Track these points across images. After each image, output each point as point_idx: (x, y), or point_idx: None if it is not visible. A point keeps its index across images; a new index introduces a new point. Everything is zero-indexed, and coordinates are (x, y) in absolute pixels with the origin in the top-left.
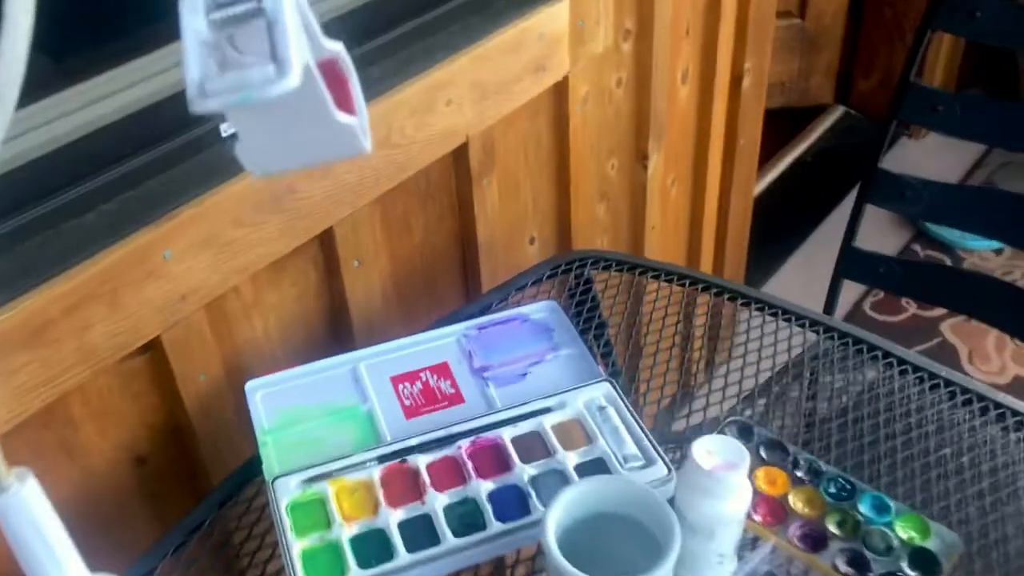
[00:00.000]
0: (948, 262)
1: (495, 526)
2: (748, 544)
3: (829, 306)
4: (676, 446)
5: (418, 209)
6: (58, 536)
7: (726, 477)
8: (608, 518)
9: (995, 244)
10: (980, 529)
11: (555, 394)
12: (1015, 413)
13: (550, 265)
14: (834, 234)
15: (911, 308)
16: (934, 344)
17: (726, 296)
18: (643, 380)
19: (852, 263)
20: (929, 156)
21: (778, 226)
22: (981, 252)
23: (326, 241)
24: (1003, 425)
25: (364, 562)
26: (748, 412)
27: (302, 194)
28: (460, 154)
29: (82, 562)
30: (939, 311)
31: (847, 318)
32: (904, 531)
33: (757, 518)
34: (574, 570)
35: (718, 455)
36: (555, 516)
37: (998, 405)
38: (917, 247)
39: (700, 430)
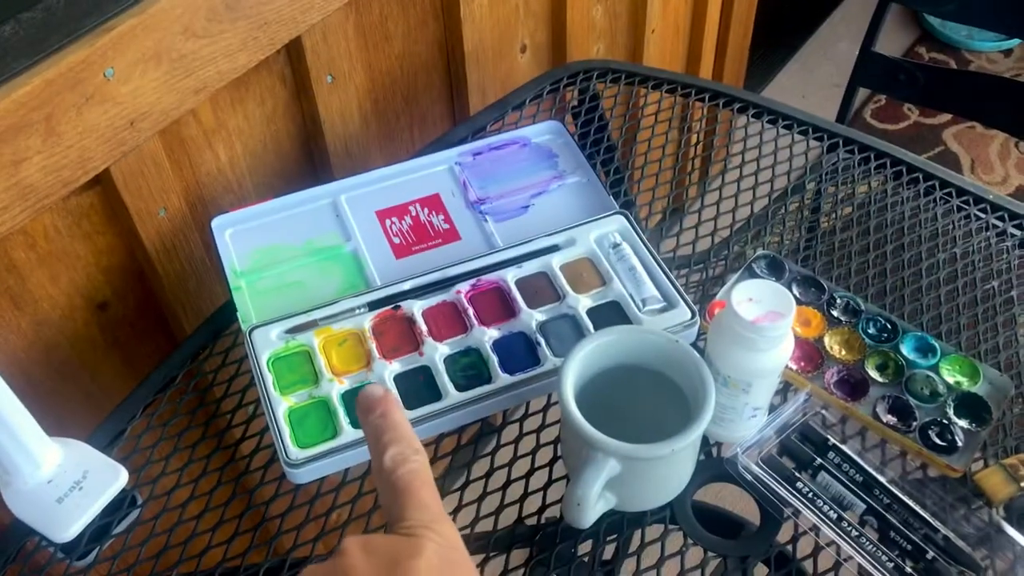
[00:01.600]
0: (953, 64)
1: (502, 378)
2: (780, 392)
3: (842, 115)
4: (681, 270)
5: (397, 13)
6: (8, 402)
7: (771, 329)
8: (630, 370)
9: (1003, 44)
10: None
11: (563, 230)
12: None
13: (551, 78)
14: (832, 37)
15: (913, 115)
16: (936, 153)
17: (736, 106)
18: (642, 204)
19: (869, 69)
20: None
21: (776, 29)
22: (989, 54)
23: (294, 53)
24: None
25: (357, 421)
26: (756, 230)
27: None
28: None
29: (38, 428)
30: (942, 118)
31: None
32: (951, 375)
33: (791, 364)
34: (596, 432)
35: (759, 303)
36: (572, 373)
37: None
38: (922, 49)
39: (708, 254)
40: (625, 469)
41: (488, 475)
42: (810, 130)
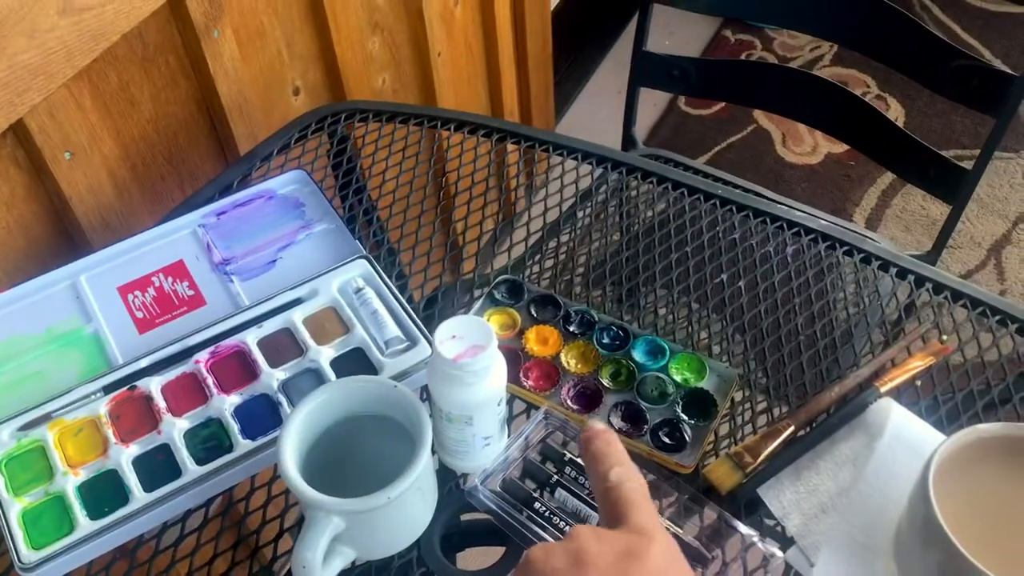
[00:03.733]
0: (758, 44)
1: (242, 445)
2: (525, 412)
3: (629, 116)
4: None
5: (140, 78)
6: None
7: (472, 363)
8: (361, 419)
9: None
10: (758, 354)
11: (305, 282)
12: (792, 224)
13: (299, 125)
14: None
15: None
16: (749, 132)
17: (495, 137)
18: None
19: (646, 68)
20: None
21: (586, 28)
22: (789, 31)
23: (21, 135)
24: (781, 239)
25: (95, 511)
26: (537, 258)
27: None
28: (177, 5)
29: None
30: None
31: (662, 116)
32: (679, 373)
33: (529, 383)
34: (311, 491)
35: (462, 339)
36: (291, 437)
37: (791, 224)
38: (728, 32)
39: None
40: (351, 523)
41: (236, 544)
42: (564, 152)
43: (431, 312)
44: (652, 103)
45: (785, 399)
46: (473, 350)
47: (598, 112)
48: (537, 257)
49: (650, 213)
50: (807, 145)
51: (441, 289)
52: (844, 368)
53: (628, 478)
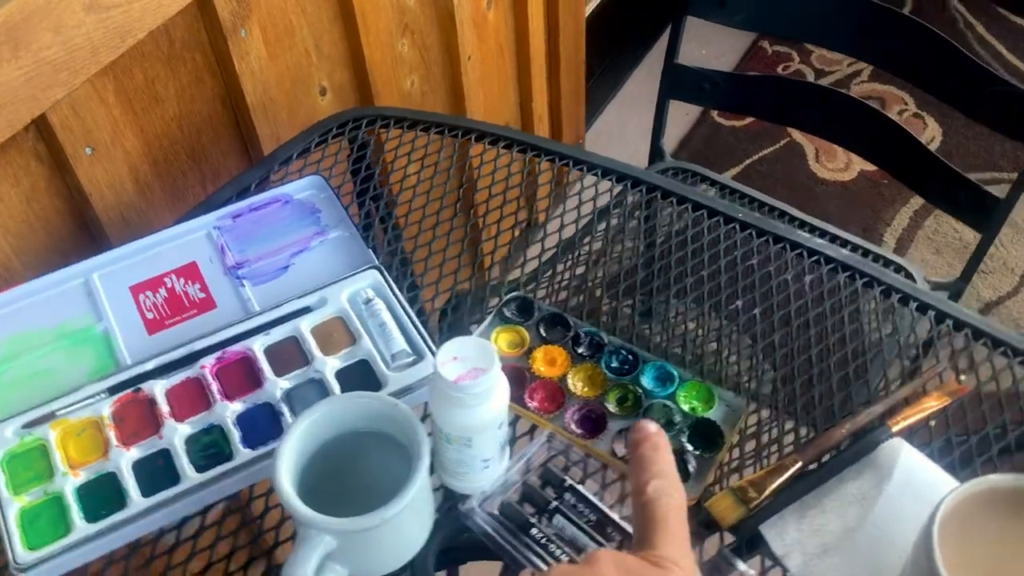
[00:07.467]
0: (796, 56)
1: (242, 454)
2: (527, 435)
3: (657, 129)
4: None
5: (166, 75)
6: None
7: (472, 386)
8: (361, 435)
9: None
10: (772, 382)
11: (315, 290)
12: (812, 252)
13: (320, 129)
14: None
15: None
16: (782, 145)
17: (515, 149)
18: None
19: (677, 81)
20: None
21: (619, 39)
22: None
23: (44, 129)
24: (800, 266)
25: (92, 514)
26: (548, 274)
27: None
28: (204, 3)
29: None
30: None
31: (694, 126)
32: (686, 402)
33: (534, 405)
34: (304, 509)
35: (464, 361)
36: (288, 452)
37: (812, 252)
38: (765, 43)
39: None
40: (343, 542)
41: (230, 555)
42: (585, 168)
43: (446, 323)
44: (684, 112)
45: (795, 432)
46: (474, 372)
47: (629, 120)
48: (548, 273)
49: (669, 232)
50: (840, 161)
51: (452, 302)
52: (857, 404)
53: (667, 492)
